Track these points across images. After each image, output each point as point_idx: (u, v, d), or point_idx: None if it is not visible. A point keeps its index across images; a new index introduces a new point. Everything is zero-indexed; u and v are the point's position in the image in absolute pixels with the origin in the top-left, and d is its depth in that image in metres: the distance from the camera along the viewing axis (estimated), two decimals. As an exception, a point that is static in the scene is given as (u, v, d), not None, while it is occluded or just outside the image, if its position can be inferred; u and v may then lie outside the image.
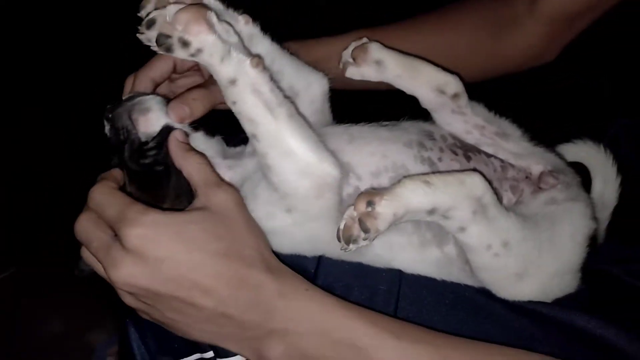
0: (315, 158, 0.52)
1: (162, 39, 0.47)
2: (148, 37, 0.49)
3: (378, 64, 0.59)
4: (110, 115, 0.58)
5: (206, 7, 0.49)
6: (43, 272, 1.33)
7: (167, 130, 0.56)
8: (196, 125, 0.59)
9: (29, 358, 1.26)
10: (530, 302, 0.57)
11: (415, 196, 0.49)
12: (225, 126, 0.64)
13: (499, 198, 0.55)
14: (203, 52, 0.48)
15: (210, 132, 0.62)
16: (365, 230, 0.48)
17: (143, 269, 0.47)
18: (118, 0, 1.74)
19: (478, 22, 0.74)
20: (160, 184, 0.57)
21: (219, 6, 0.56)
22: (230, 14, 0.56)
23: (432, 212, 0.50)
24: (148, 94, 0.59)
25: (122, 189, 0.56)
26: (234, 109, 0.52)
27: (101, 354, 1.22)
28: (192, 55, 0.48)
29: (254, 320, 0.50)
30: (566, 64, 0.81)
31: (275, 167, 0.52)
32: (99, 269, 0.51)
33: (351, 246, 0.49)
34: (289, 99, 0.53)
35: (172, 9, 0.48)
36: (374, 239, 0.49)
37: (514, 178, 0.61)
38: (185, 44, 0.47)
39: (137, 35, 0.50)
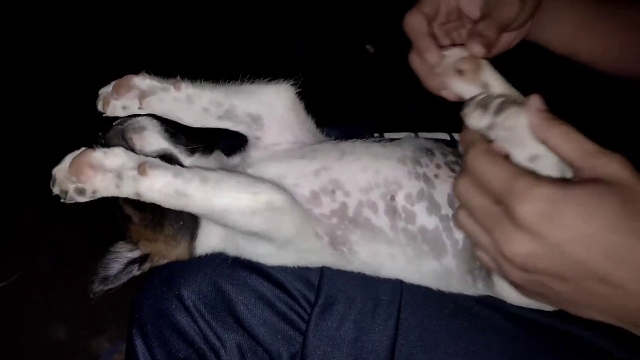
0: (249, 196, 0.53)
1: (63, 195, 0.53)
2: (55, 192, 0.53)
3: (484, 87, 0.53)
4: (103, 141, 0.59)
5: (92, 148, 0.53)
6: (47, 278, 1.34)
7: (167, 157, 0.58)
8: (192, 147, 0.60)
9: (34, 364, 1.27)
10: (528, 311, 0.58)
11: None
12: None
13: None
14: (98, 191, 0.52)
15: (209, 148, 0.63)
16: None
17: (544, 249, 0.42)
18: (118, 1, 1.77)
19: None
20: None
21: (153, 84, 0.59)
22: (163, 86, 0.59)
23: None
24: (140, 116, 0.60)
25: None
26: (165, 206, 0.54)
27: (105, 361, 1.23)
28: (93, 196, 0.53)
29: None
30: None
31: (230, 223, 0.55)
32: (477, 235, 0.47)
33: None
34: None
35: (67, 160, 0.53)
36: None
37: None
38: (81, 191, 0.52)
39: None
